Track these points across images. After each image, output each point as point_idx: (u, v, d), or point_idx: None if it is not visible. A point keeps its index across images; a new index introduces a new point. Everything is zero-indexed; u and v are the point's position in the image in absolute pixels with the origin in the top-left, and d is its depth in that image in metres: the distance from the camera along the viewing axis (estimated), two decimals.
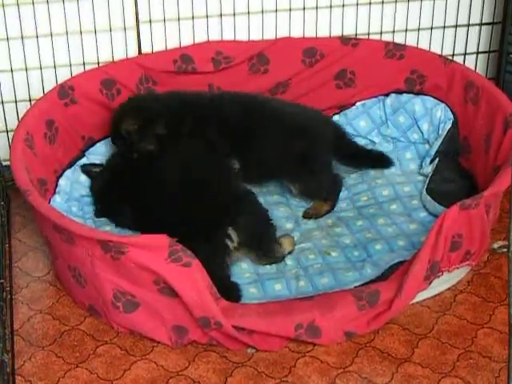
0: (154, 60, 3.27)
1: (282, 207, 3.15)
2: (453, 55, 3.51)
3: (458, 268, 2.69)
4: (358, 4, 3.41)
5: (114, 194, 2.99)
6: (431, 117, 3.32)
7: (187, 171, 2.90)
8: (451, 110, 3.27)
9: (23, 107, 3.14)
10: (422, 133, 3.34)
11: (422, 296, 2.65)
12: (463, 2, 3.46)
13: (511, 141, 2.86)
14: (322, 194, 3.11)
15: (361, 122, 3.41)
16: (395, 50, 3.34)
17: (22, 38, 3.18)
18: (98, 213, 3.04)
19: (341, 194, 3.19)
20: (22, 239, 3.06)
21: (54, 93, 3.08)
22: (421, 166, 3.29)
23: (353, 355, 2.50)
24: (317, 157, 3.09)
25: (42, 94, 3.14)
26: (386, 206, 3.13)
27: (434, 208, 3.01)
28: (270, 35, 3.39)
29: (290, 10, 3.37)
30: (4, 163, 3.20)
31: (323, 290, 2.66)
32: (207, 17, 3.32)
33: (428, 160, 3.25)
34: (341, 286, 2.68)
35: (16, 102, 3.25)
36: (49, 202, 2.85)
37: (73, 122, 3.11)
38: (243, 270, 2.83)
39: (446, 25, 3.49)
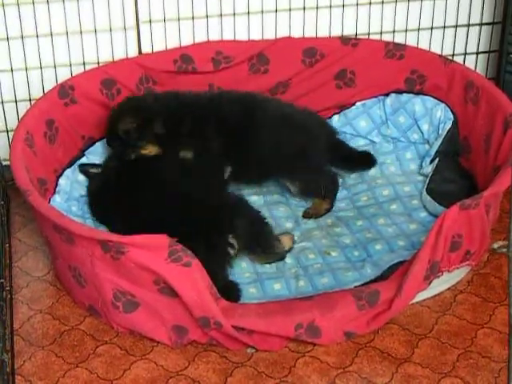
0: (154, 60, 3.26)
1: (281, 207, 3.15)
2: (453, 55, 3.51)
3: (457, 268, 2.69)
4: (357, 4, 3.40)
5: (110, 198, 2.96)
6: (431, 117, 3.32)
7: (178, 183, 2.89)
8: (451, 110, 3.27)
9: (23, 107, 3.15)
10: (422, 133, 3.34)
11: (421, 296, 2.65)
12: (463, 2, 3.46)
13: (511, 141, 2.86)
14: (320, 191, 3.11)
15: (361, 122, 3.41)
16: (395, 50, 3.34)
17: (22, 37, 3.18)
18: (95, 216, 3.01)
19: (340, 193, 3.19)
20: (22, 239, 3.06)
21: (54, 92, 3.08)
22: (421, 166, 3.29)
23: (353, 355, 2.50)
24: (315, 154, 3.10)
25: (42, 94, 3.14)
26: (386, 205, 3.13)
27: (434, 208, 3.02)
28: (270, 35, 3.39)
29: (290, 10, 3.37)
30: (4, 163, 3.20)
31: (323, 290, 2.66)
32: (207, 17, 3.32)
33: (428, 160, 3.25)
34: (341, 285, 2.68)
35: (16, 101, 3.25)
36: (49, 202, 2.85)
37: (73, 122, 3.10)
38: (243, 270, 2.83)
39: (446, 25, 3.49)
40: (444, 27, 3.49)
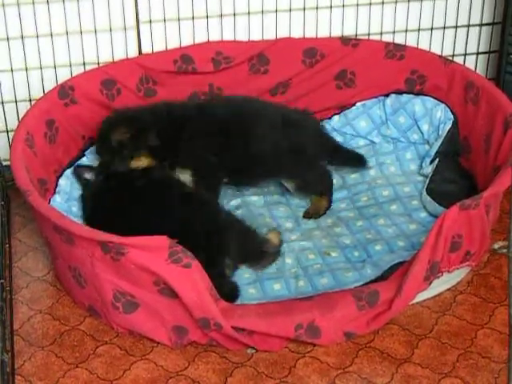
0: (155, 60, 3.26)
1: (281, 207, 3.15)
2: (453, 56, 3.51)
3: (457, 268, 2.69)
4: (358, 4, 3.40)
5: (103, 211, 2.85)
6: (431, 117, 3.32)
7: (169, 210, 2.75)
8: (451, 111, 3.27)
9: (23, 107, 3.14)
10: (422, 133, 3.34)
11: (422, 296, 2.65)
12: (463, 3, 3.46)
13: (511, 141, 2.86)
14: (317, 187, 3.11)
15: (361, 123, 3.41)
16: (395, 51, 3.34)
17: (23, 37, 3.18)
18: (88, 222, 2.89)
19: (341, 193, 3.20)
20: (22, 239, 3.06)
21: (54, 93, 3.08)
22: (421, 167, 3.29)
23: (353, 355, 2.50)
24: (309, 149, 3.10)
25: (42, 94, 3.13)
26: (386, 206, 3.13)
27: (434, 208, 3.02)
28: (270, 35, 3.39)
29: (291, 10, 3.37)
30: (4, 163, 3.20)
31: (323, 291, 2.66)
32: (207, 17, 3.32)
33: (428, 160, 3.25)
34: (340, 286, 2.67)
35: (16, 101, 3.25)
36: (49, 202, 2.85)
37: (73, 122, 3.10)
38: (242, 270, 2.82)
39: (446, 25, 3.49)
40: (444, 28, 3.49)
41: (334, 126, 3.41)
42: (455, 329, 2.59)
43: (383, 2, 3.41)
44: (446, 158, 3.22)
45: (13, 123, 3.16)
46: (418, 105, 3.34)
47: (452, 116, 3.26)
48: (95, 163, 3.08)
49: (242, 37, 3.38)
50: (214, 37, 3.35)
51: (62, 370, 2.48)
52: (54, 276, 2.86)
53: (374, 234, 2.96)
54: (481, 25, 3.51)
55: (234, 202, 3.16)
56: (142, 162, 2.97)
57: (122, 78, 3.20)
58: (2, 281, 2.61)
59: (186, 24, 3.32)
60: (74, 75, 3.22)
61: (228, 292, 2.59)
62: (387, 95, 3.39)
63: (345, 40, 3.36)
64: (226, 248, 2.68)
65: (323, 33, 3.43)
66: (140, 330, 2.56)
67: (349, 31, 3.45)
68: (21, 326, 2.65)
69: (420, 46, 3.45)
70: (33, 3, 3.13)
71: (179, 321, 2.49)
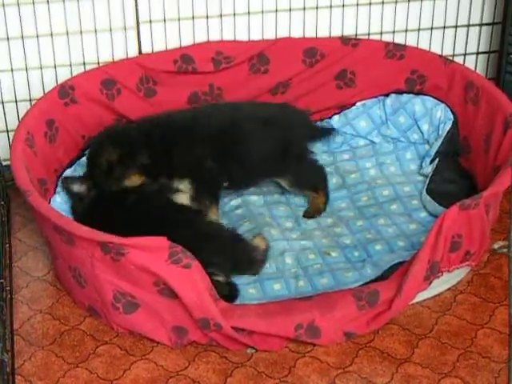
0: (155, 60, 3.26)
1: (281, 206, 3.15)
2: (453, 55, 3.51)
3: (457, 268, 2.69)
4: (358, 4, 3.40)
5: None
6: (431, 117, 3.32)
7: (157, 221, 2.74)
8: (451, 110, 3.27)
9: (23, 107, 3.15)
10: (422, 133, 3.34)
11: (422, 296, 2.65)
12: (463, 3, 3.46)
13: (511, 141, 2.86)
14: (310, 182, 3.11)
15: (361, 122, 3.41)
16: (395, 50, 3.34)
17: (23, 37, 3.18)
18: None
19: (341, 193, 3.20)
20: (22, 239, 3.06)
21: (55, 92, 3.08)
22: (421, 167, 3.29)
23: (353, 355, 2.50)
24: (298, 143, 3.09)
25: (42, 94, 3.14)
26: (386, 206, 3.13)
27: (434, 208, 3.02)
28: (270, 35, 3.39)
29: (290, 10, 3.37)
30: (4, 163, 3.20)
31: (323, 290, 2.66)
32: (207, 17, 3.32)
33: (428, 160, 3.25)
34: (340, 286, 2.68)
35: (16, 101, 3.25)
36: (49, 202, 2.85)
37: (73, 122, 3.10)
38: None
39: (446, 25, 3.49)
40: (444, 27, 3.49)
41: (334, 125, 3.41)
42: (455, 329, 2.59)
43: (383, 2, 3.41)
44: (446, 158, 3.22)
45: (13, 123, 3.16)
46: (418, 105, 3.34)
47: (452, 116, 3.26)
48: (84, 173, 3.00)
49: (242, 37, 3.38)
50: (214, 37, 3.35)
51: (62, 370, 2.48)
52: (54, 276, 2.86)
53: (374, 234, 2.96)
54: (481, 25, 3.51)
55: (234, 202, 3.16)
56: (133, 181, 2.91)
57: (122, 78, 3.20)
58: (2, 280, 2.61)
59: (186, 24, 3.32)
60: (74, 75, 3.22)
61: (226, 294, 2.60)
62: (387, 95, 3.39)
63: (345, 40, 3.36)
64: (211, 261, 2.62)
65: (323, 33, 3.43)
66: (140, 330, 2.56)
67: (349, 31, 3.45)
68: (21, 326, 2.65)
69: (420, 46, 3.46)
70: (33, 3, 3.13)
71: (179, 321, 2.49)
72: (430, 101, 3.33)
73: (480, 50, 3.56)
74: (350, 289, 2.58)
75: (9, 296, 2.69)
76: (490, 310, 2.66)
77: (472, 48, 3.56)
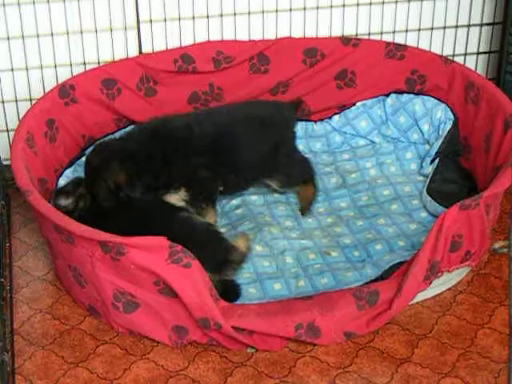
0: (155, 59, 3.26)
1: (281, 206, 3.16)
2: (453, 55, 3.51)
3: (457, 268, 2.69)
4: (358, 4, 3.40)
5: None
6: (431, 117, 3.32)
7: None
8: (451, 111, 3.27)
9: (24, 106, 3.15)
10: (422, 133, 3.35)
11: (421, 296, 2.65)
12: (463, 3, 3.46)
13: (511, 141, 2.86)
14: (300, 178, 3.10)
15: (361, 122, 3.41)
16: (396, 50, 3.34)
17: (23, 37, 3.18)
18: None
19: (341, 192, 3.20)
20: (23, 238, 3.06)
21: (55, 92, 3.08)
22: (421, 167, 3.29)
23: (353, 355, 2.50)
24: (288, 141, 3.09)
25: (42, 94, 3.14)
26: (386, 205, 3.13)
27: (435, 208, 3.02)
28: (270, 35, 3.39)
29: (291, 9, 3.37)
30: (4, 163, 3.20)
31: (323, 290, 2.66)
32: (208, 17, 3.32)
33: (428, 160, 3.25)
34: (341, 286, 2.68)
35: (16, 101, 3.25)
36: (49, 202, 2.85)
37: (73, 122, 3.10)
38: (242, 270, 2.82)
39: (447, 25, 3.49)
40: (444, 27, 3.49)
41: (335, 125, 3.41)
42: (455, 329, 2.59)
43: (383, 2, 3.41)
44: (447, 158, 3.22)
45: (13, 123, 3.16)
46: (419, 105, 3.34)
47: (452, 116, 3.26)
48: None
49: (242, 36, 3.38)
50: (215, 36, 3.36)
51: (62, 370, 2.48)
52: (54, 275, 2.86)
53: (374, 234, 2.97)
54: (481, 25, 3.51)
55: (235, 202, 3.17)
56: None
57: (123, 78, 3.20)
58: (2, 280, 2.61)
59: (186, 23, 3.32)
60: (74, 74, 3.22)
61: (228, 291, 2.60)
62: (387, 95, 3.39)
63: (345, 40, 3.36)
64: None
65: (323, 32, 3.43)
66: (140, 329, 2.56)
67: (349, 31, 3.45)
68: (21, 326, 2.65)
69: (420, 46, 3.45)
70: (33, 3, 3.13)
71: (179, 320, 2.49)
72: (430, 101, 3.33)
73: (480, 50, 3.56)
74: (350, 289, 2.58)
75: (9, 295, 2.69)
76: (490, 310, 2.66)
77: (472, 48, 3.56)
